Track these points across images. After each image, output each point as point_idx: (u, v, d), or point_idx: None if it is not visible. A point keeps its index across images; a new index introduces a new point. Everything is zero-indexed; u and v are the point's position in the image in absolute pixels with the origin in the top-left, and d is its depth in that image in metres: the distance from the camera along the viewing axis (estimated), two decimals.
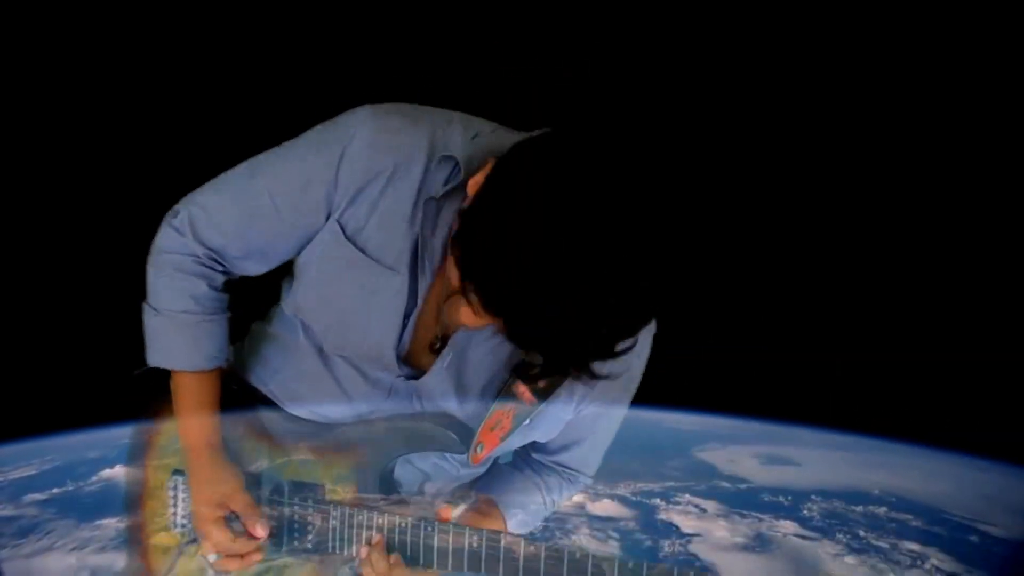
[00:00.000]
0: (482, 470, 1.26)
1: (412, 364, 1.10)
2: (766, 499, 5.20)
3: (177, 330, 1.10)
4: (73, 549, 3.99)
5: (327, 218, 1.03)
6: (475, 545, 1.01)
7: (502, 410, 1.08)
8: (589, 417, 1.17)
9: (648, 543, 4.80)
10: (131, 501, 1.23)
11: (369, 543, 1.07)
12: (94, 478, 5.15)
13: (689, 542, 4.78)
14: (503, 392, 1.07)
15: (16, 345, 3.31)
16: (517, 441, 1.14)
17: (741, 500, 5.15)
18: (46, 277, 3.33)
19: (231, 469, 1.12)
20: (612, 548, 4.60)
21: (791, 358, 3.96)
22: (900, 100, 3.24)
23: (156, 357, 1.12)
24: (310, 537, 1.12)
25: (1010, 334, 3.34)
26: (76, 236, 3.29)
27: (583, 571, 0.96)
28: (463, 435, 1.09)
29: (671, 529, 4.94)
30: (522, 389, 1.06)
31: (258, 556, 1.11)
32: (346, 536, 1.10)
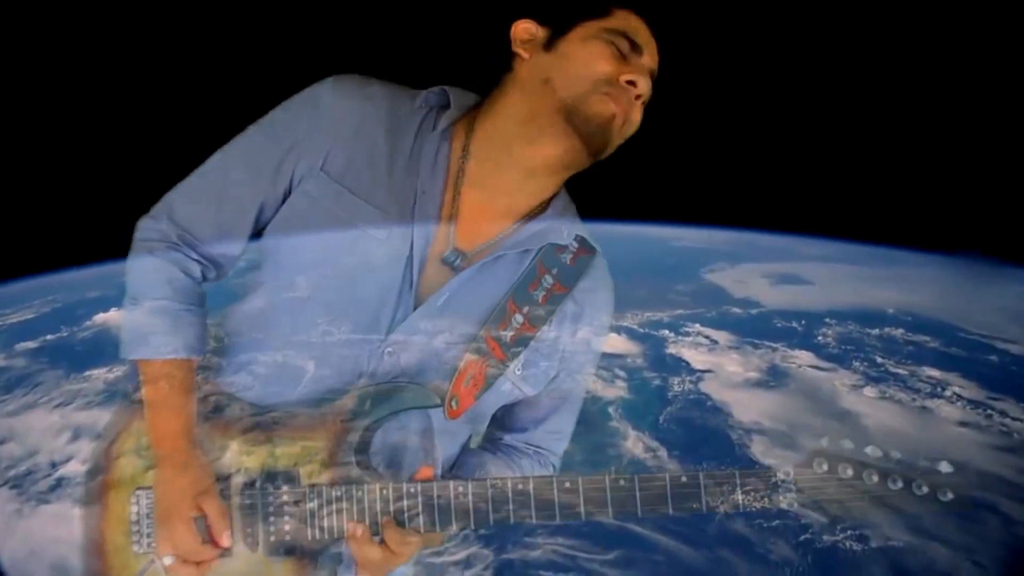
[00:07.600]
0: (465, 430, 1.23)
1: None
2: (779, 325, 5.03)
3: (155, 316, 1.12)
4: (58, 406, 3.90)
5: (294, 174, 1.10)
6: (463, 494, 1.00)
7: (474, 361, 1.10)
8: (555, 391, 1.20)
9: (657, 382, 4.63)
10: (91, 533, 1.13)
11: (356, 520, 1.05)
12: (88, 323, 5.11)
13: (700, 379, 4.59)
14: (474, 344, 1.10)
15: (25, 181, 3.17)
16: (494, 399, 1.15)
17: (753, 327, 4.96)
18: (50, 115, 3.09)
19: (208, 468, 1.09)
20: (619, 389, 4.47)
21: (796, 165, 3.83)
22: None
23: (133, 348, 1.12)
24: (287, 528, 1.07)
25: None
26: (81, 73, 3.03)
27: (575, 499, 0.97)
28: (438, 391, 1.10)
29: (681, 365, 4.77)
30: (493, 345, 1.09)
31: (208, 568, 1.06)
32: (330, 518, 1.06)
